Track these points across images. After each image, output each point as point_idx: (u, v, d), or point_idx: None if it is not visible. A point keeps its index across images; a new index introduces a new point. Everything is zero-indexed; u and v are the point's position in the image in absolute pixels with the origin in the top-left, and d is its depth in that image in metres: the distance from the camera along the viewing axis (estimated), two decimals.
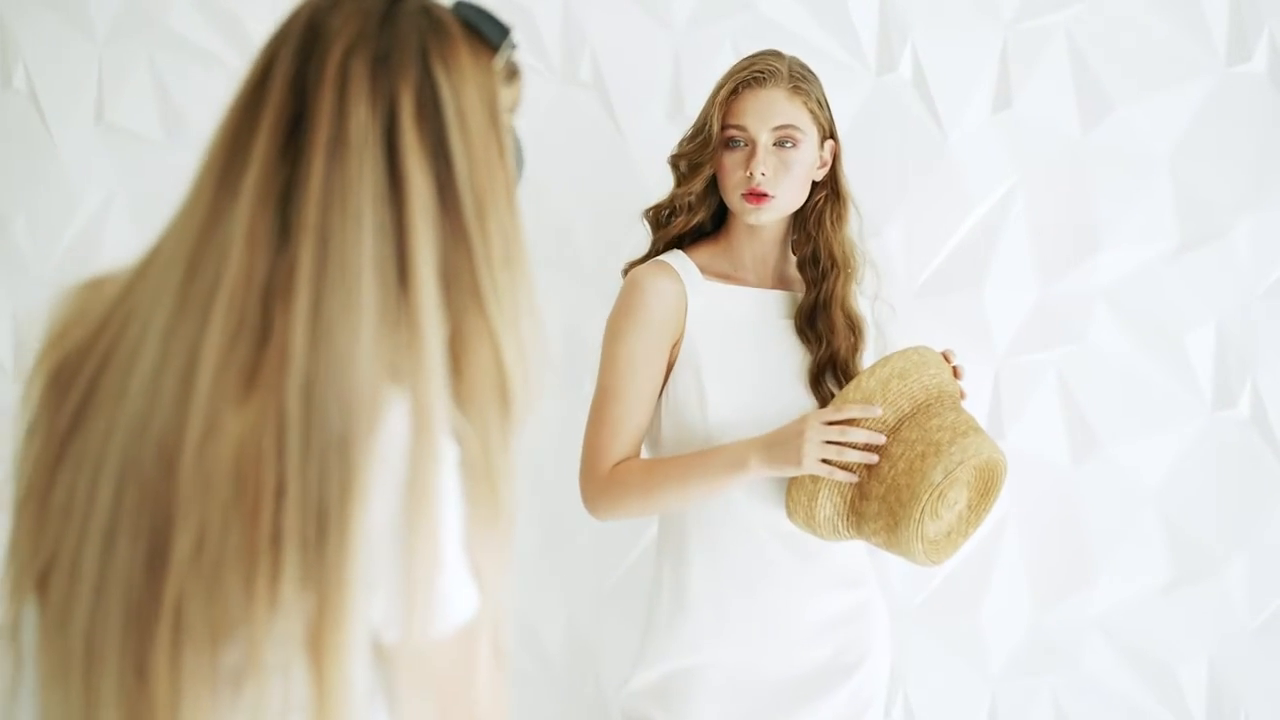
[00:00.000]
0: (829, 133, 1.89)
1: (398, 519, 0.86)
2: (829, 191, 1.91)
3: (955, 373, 1.82)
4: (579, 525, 2.16)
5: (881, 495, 1.71)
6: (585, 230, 2.27)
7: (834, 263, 1.89)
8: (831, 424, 1.71)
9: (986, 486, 1.77)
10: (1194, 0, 2.13)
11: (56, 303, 0.96)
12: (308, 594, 0.84)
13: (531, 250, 0.97)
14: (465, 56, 0.94)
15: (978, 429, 1.74)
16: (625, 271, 1.94)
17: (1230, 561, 2.17)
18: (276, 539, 0.83)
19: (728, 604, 1.84)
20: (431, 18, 0.94)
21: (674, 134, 2.03)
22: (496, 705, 0.94)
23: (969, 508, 1.77)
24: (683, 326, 1.84)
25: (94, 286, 0.96)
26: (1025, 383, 2.20)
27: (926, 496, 1.68)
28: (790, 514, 1.78)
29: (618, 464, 1.81)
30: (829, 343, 1.86)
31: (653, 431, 1.89)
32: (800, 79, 1.84)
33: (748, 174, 1.81)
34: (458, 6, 0.97)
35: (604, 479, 1.81)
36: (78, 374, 0.91)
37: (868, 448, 1.71)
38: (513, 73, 1.00)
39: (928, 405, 1.74)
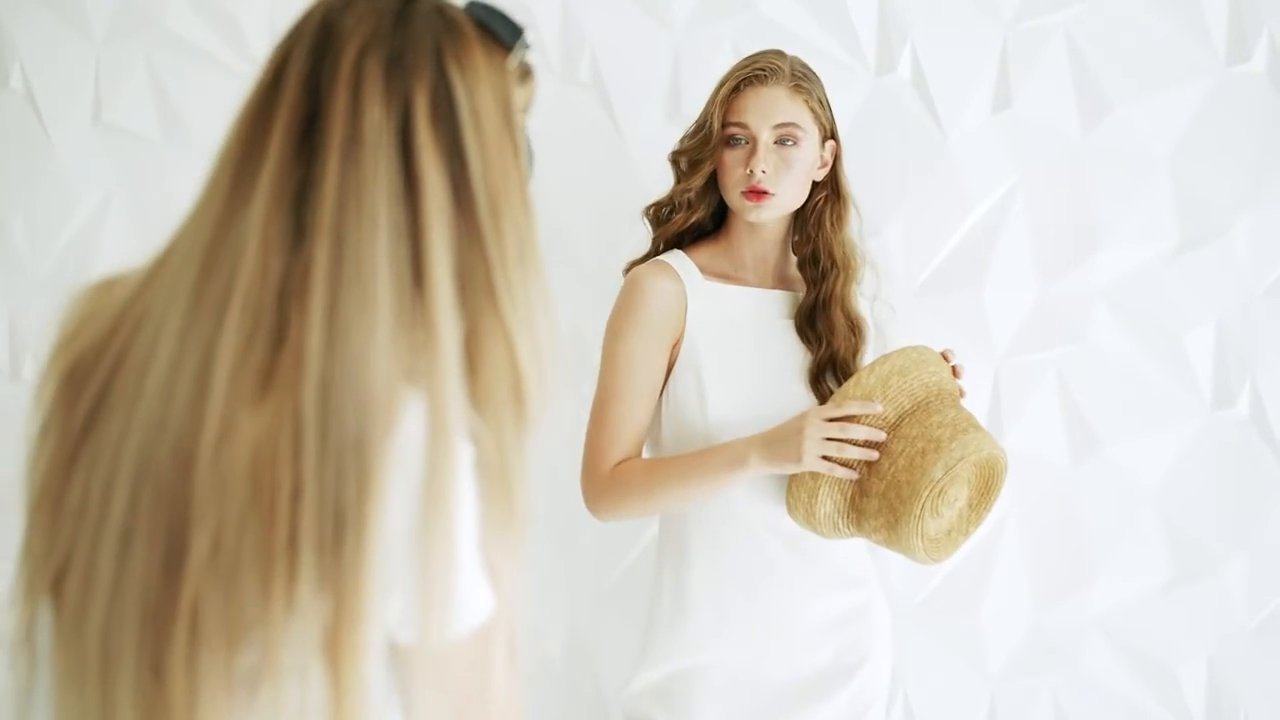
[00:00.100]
0: (830, 133, 1.89)
1: (414, 520, 0.85)
2: (829, 192, 1.91)
3: (954, 372, 1.82)
4: (580, 525, 2.16)
5: (882, 492, 1.71)
6: (585, 230, 2.27)
7: (834, 263, 1.88)
8: (832, 420, 1.70)
9: (987, 484, 1.77)
10: (1194, 0, 2.13)
11: (68, 303, 0.95)
12: (324, 595, 0.84)
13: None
14: (479, 56, 0.93)
15: (978, 426, 1.74)
16: (625, 271, 1.93)
17: (1229, 561, 2.18)
18: (293, 540, 0.83)
19: (729, 604, 1.84)
20: (445, 17, 0.93)
21: (673, 134, 2.03)
22: (512, 706, 0.93)
23: (970, 506, 1.77)
24: (683, 326, 1.84)
25: (106, 287, 0.96)
26: (1025, 382, 2.21)
27: (927, 493, 1.67)
28: (790, 511, 1.78)
29: (619, 464, 1.81)
30: (829, 343, 1.86)
31: (653, 431, 1.88)
32: (802, 78, 1.84)
33: (748, 171, 1.81)
34: (471, 6, 0.97)
35: (605, 479, 1.81)
36: (91, 374, 0.91)
37: (868, 444, 1.71)
38: (526, 73, 1.00)
39: (928, 402, 1.74)
